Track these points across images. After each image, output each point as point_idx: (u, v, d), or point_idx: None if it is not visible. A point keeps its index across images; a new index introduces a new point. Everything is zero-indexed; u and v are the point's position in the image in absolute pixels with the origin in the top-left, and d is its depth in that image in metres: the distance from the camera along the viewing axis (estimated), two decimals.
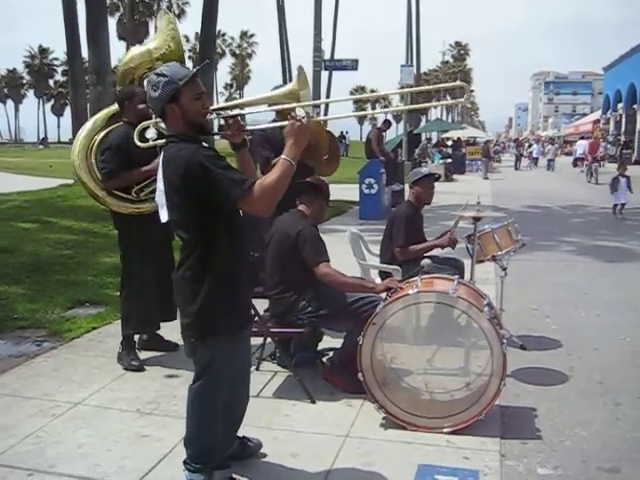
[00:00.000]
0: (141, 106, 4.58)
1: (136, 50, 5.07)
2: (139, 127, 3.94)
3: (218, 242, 2.80)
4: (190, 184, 2.68)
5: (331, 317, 4.20)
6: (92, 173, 4.75)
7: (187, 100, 2.75)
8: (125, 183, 4.63)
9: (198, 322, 2.85)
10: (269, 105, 3.34)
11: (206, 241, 2.80)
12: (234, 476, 3.08)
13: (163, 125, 3.01)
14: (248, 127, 3.12)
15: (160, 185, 2.92)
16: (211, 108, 2.92)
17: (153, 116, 3.18)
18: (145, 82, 2.81)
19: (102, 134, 4.78)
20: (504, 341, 3.68)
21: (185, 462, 3.02)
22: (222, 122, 3.00)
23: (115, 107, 4.86)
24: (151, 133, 3.96)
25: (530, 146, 44.23)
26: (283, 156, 2.74)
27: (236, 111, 3.06)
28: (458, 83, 3.23)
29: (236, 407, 3.13)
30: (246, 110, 3.26)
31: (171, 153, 2.78)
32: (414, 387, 3.97)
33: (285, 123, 2.81)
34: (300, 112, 2.92)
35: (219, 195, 2.66)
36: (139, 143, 3.95)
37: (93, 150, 4.77)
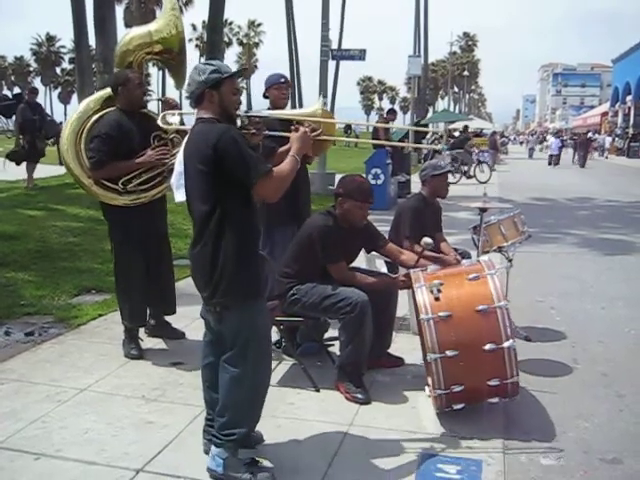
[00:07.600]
0: (136, 92, 4.45)
1: (136, 31, 4.80)
2: (163, 114, 4.01)
3: (234, 213, 2.99)
4: (219, 154, 2.91)
5: (308, 308, 4.18)
6: (80, 159, 4.53)
7: (226, 91, 3.09)
8: (114, 174, 4.42)
9: (220, 292, 3.00)
10: (296, 122, 3.82)
11: (223, 212, 2.97)
12: (257, 458, 3.12)
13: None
14: (266, 132, 3.62)
15: (179, 167, 3.19)
16: (241, 113, 3.40)
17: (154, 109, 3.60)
18: (192, 69, 3.12)
19: (94, 118, 4.56)
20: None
21: (214, 435, 3.11)
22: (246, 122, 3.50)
23: (109, 90, 4.62)
24: (173, 119, 4.02)
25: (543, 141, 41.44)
26: (292, 154, 3.15)
27: (260, 114, 3.68)
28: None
29: (263, 373, 3.17)
30: (267, 113, 3.83)
31: (203, 128, 3.03)
32: None
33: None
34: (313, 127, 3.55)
35: (242, 171, 2.93)
36: (162, 124, 3.99)
37: (83, 135, 4.54)
